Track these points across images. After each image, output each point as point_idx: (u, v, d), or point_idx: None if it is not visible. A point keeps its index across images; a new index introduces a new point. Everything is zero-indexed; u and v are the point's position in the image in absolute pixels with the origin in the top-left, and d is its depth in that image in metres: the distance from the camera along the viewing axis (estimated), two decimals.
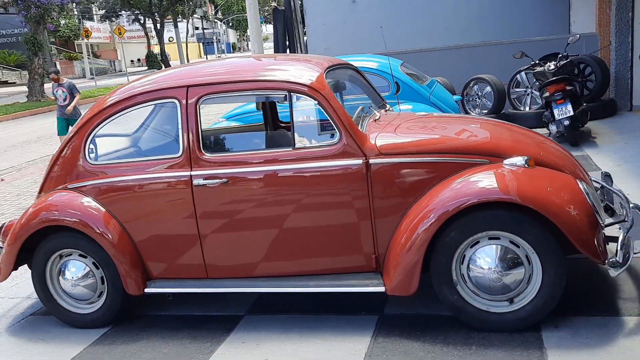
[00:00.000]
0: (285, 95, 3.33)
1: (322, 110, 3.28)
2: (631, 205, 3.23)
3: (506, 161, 3.13)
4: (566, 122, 7.24)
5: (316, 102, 3.29)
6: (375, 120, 3.61)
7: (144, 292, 3.58)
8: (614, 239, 3.10)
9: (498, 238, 3.04)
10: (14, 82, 35.97)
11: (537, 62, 8.26)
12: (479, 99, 9.43)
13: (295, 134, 3.37)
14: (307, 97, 3.31)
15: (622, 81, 9.03)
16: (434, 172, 3.19)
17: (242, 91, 3.43)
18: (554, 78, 7.48)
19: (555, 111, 7.32)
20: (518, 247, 3.02)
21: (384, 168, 3.22)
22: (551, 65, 7.91)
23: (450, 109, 7.75)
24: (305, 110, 3.58)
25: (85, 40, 36.45)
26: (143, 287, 3.58)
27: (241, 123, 7.91)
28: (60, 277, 3.73)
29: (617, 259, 2.93)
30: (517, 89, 9.34)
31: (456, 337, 3.12)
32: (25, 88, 25.33)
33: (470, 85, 9.46)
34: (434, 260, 3.11)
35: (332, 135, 3.29)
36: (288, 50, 10.75)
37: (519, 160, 3.10)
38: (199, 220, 3.43)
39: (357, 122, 3.50)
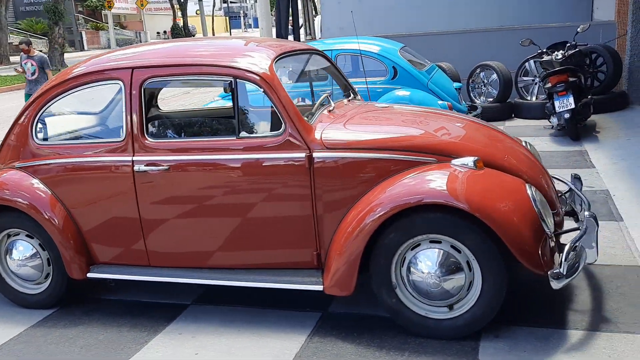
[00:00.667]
0: (231, 82, 3.19)
1: (268, 98, 3.14)
2: (587, 213, 3.03)
3: (454, 161, 2.96)
4: (567, 115, 6.95)
5: (261, 90, 3.15)
6: (330, 111, 3.45)
7: (87, 277, 3.52)
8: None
9: (439, 242, 2.89)
10: (41, 50, 36.27)
11: (544, 50, 7.94)
12: (484, 86, 9.15)
13: (246, 122, 3.24)
14: (253, 85, 3.17)
15: (635, 73, 8.63)
16: (379, 170, 3.03)
17: (187, 75, 3.30)
18: (556, 69, 7.17)
19: (556, 103, 7.04)
20: (459, 252, 2.87)
21: (328, 163, 3.07)
22: (559, 55, 7.60)
23: (448, 97, 7.53)
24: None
25: (109, 10, 36.49)
26: (86, 271, 3.53)
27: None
28: (8, 257, 3.70)
29: (561, 270, 2.76)
30: (525, 78, 9.02)
31: (392, 342, 2.99)
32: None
33: (476, 72, 9.16)
34: (373, 262, 2.98)
35: (279, 126, 3.15)
36: (292, 31, 10.55)
37: (467, 160, 2.93)
38: (140, 207, 3.34)
39: (314, 112, 3.36)
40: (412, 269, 2.94)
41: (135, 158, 3.30)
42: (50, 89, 3.53)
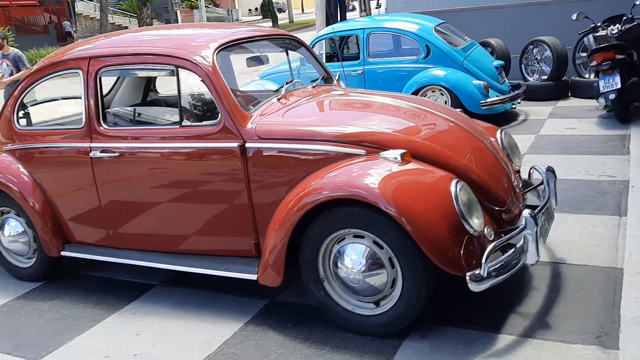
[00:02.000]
0: (172, 70, 3.23)
1: (206, 87, 3.15)
2: (526, 212, 2.80)
3: (382, 154, 2.84)
4: (612, 96, 6.39)
5: (200, 78, 3.17)
6: (279, 99, 3.40)
7: (61, 255, 3.77)
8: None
9: (363, 237, 2.81)
10: (126, 27, 38.05)
11: (598, 24, 7.31)
12: (537, 63, 8.56)
13: (191, 111, 3.29)
14: (193, 73, 3.19)
15: None
16: (310, 161, 2.98)
17: (136, 64, 3.40)
18: (601, 45, 6.58)
19: (601, 83, 6.49)
20: (382, 248, 2.77)
21: (260, 153, 3.06)
22: (614, 29, 6.97)
23: (486, 75, 7.17)
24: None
25: None
26: (61, 249, 3.77)
27: (274, 82, 7.89)
28: (1, 232, 4.02)
29: (481, 272, 2.59)
30: (582, 54, 8.35)
31: (319, 335, 2.97)
32: None
33: (529, 48, 8.58)
34: (301, 254, 2.95)
35: (217, 115, 3.17)
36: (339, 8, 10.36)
37: (394, 153, 2.80)
38: (99, 191, 3.51)
39: (262, 100, 3.34)
40: (338, 263, 2.88)
41: (92, 145, 3.45)
42: (25, 79, 3.76)
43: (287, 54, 4.18)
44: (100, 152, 3.42)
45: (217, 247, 3.30)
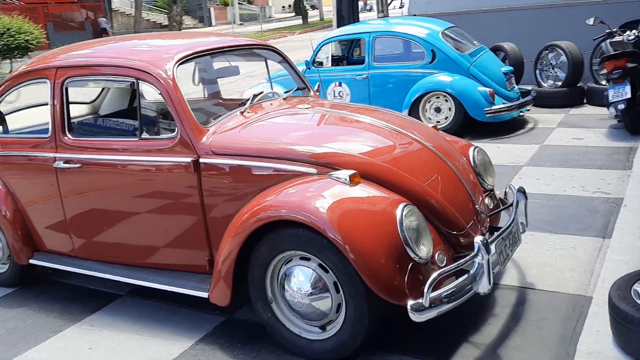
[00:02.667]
0: (132, 82, 3.20)
1: (164, 99, 3.11)
2: (479, 239, 2.66)
3: (331, 174, 2.75)
4: (621, 106, 6.13)
5: (159, 91, 3.12)
6: (242, 112, 3.33)
7: (29, 263, 3.79)
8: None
9: (309, 259, 2.72)
10: (160, 23, 38.41)
11: (614, 30, 7.03)
12: (552, 69, 8.28)
13: (150, 124, 3.25)
14: (152, 86, 3.15)
15: None
16: (262, 178, 2.90)
17: (100, 75, 3.37)
18: (613, 52, 6.32)
19: (611, 92, 6.22)
20: (327, 272, 2.68)
21: (213, 168, 3.00)
22: (631, 35, 6.69)
23: (493, 82, 6.97)
24: None
25: None
26: (30, 257, 3.79)
27: (280, 85, 7.84)
28: None
29: (423, 302, 2.48)
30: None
31: (267, 357, 2.91)
32: None
33: (544, 52, 8.31)
34: (249, 275, 2.88)
35: (174, 129, 3.12)
36: (362, 8, 10.22)
37: (343, 174, 2.70)
38: (63, 201, 3.51)
39: (223, 114, 3.29)
40: (285, 285, 2.80)
41: (57, 155, 3.45)
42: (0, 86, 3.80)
43: (266, 63, 4.10)
44: (63, 162, 3.42)
45: (174, 261, 3.26)
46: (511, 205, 3.24)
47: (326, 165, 2.82)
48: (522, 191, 3.30)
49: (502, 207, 3.31)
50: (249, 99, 3.46)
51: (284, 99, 3.66)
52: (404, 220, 2.56)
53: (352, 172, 2.70)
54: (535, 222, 4.22)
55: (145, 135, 3.21)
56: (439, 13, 10.28)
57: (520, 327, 2.93)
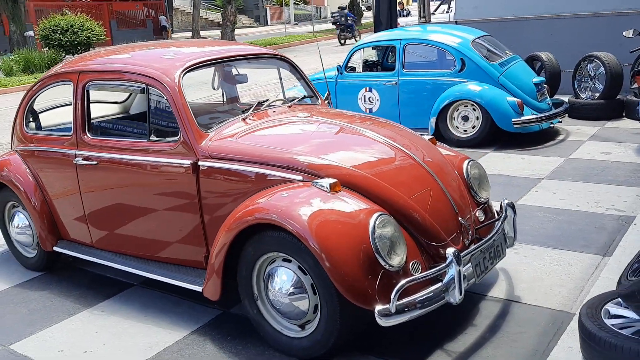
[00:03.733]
0: (143, 87, 3.45)
1: (170, 105, 3.34)
2: (450, 250, 2.76)
3: (316, 181, 2.90)
4: None
5: (165, 97, 3.36)
6: (244, 119, 3.53)
7: (53, 250, 4.11)
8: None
9: (290, 261, 2.89)
10: (218, 22, 39.17)
11: None
12: (590, 80, 8.13)
13: (159, 126, 3.48)
14: (159, 91, 3.38)
15: None
16: (253, 182, 3.10)
17: (116, 80, 3.65)
18: None
19: None
20: (306, 274, 2.84)
21: (209, 171, 3.21)
22: None
23: (523, 92, 6.93)
24: None
25: None
26: (54, 245, 4.11)
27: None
28: (11, 224, 4.44)
29: (389, 307, 2.60)
30: None
31: (251, 350, 3.09)
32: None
33: (583, 64, 8.16)
34: (238, 273, 3.07)
35: (177, 132, 3.34)
36: (400, 12, 10.28)
37: (324, 182, 2.86)
38: (82, 195, 3.81)
39: (225, 119, 3.49)
40: (268, 284, 2.98)
41: (77, 152, 3.75)
42: (33, 87, 4.14)
43: (279, 72, 4.29)
44: (82, 159, 3.71)
45: (176, 256, 3.49)
46: (498, 219, 3.31)
47: (311, 173, 2.98)
48: (510, 205, 3.36)
49: (488, 222, 3.36)
50: (252, 106, 3.65)
51: (289, 106, 3.84)
52: (376, 230, 2.68)
53: (333, 180, 2.85)
54: (539, 236, 4.25)
55: (153, 137, 3.45)
56: (484, 20, 10.24)
57: (496, 338, 3.00)
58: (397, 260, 2.72)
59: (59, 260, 4.37)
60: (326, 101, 4.24)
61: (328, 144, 3.28)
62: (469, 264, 2.92)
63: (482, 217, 3.43)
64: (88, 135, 3.73)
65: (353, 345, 3.00)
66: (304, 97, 4.10)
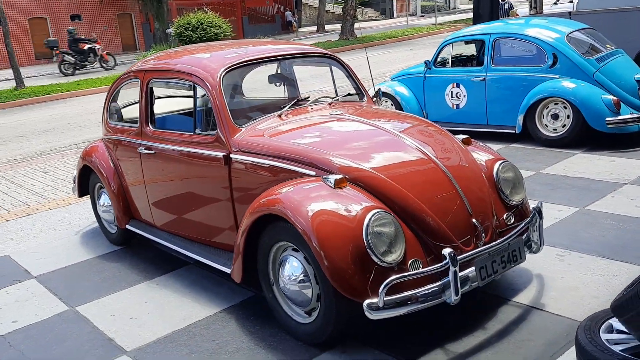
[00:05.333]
0: (191, 85, 3.78)
1: (210, 101, 3.64)
2: (447, 251, 2.77)
3: (325, 177, 3.04)
4: None
5: (207, 94, 3.66)
6: (280, 115, 3.74)
7: (126, 228, 4.64)
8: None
9: (298, 251, 3.06)
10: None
11: None
12: None
13: (205, 120, 3.80)
14: (203, 89, 3.70)
15: None
16: (273, 176, 3.31)
17: (171, 78, 4.02)
18: None
19: None
20: (310, 264, 3.00)
21: (239, 163, 3.47)
22: None
23: (621, 89, 6.45)
24: None
25: None
26: (127, 224, 4.63)
27: (402, 84, 8.10)
28: (99, 202, 5.04)
29: (377, 301, 2.68)
30: None
31: (265, 331, 3.31)
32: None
33: None
34: (258, 259, 3.30)
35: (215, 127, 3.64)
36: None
37: (330, 178, 2.99)
38: (145, 180, 4.26)
39: (263, 115, 3.72)
40: (279, 271, 3.17)
41: (141, 142, 4.20)
42: (115, 83, 4.68)
43: (331, 69, 4.44)
44: (145, 149, 4.16)
45: (218, 240, 3.81)
46: (519, 223, 3.22)
47: (323, 168, 3.12)
48: (537, 210, 3.25)
49: (513, 224, 3.27)
50: (284, 105, 3.85)
51: (330, 104, 3.98)
52: (370, 227, 2.77)
53: (339, 177, 2.98)
54: (594, 244, 4.03)
55: (198, 130, 3.78)
56: (608, 10, 9.53)
57: (501, 343, 2.95)
58: (392, 257, 2.79)
59: (134, 237, 4.90)
60: (374, 99, 4.32)
61: (347, 142, 3.39)
62: (473, 267, 2.90)
63: (511, 220, 3.34)
64: (150, 127, 4.16)
65: (355, 338, 3.10)
66: (348, 94, 4.22)
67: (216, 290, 3.92)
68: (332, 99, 4.10)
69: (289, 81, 4.62)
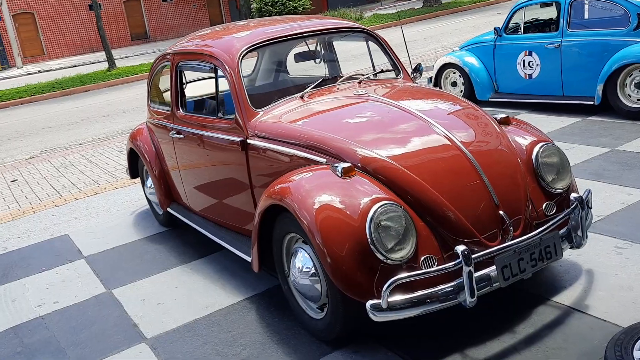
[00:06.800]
0: (212, 67, 3.66)
1: (228, 83, 3.50)
2: (461, 249, 2.47)
3: (333, 165, 2.82)
4: None
5: (225, 77, 3.52)
6: (302, 97, 3.53)
7: (168, 211, 4.66)
8: None
9: (307, 243, 2.88)
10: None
11: None
12: None
13: (227, 104, 3.68)
14: (220, 70, 3.56)
15: None
16: (286, 162, 3.14)
17: (196, 61, 3.91)
18: None
19: None
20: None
21: (256, 148, 3.33)
22: None
23: None
24: None
25: None
26: (168, 207, 4.66)
27: (471, 54, 7.59)
28: (146, 185, 5.11)
29: (381, 303, 2.45)
30: None
31: (282, 324, 3.20)
32: None
33: None
34: (273, 247, 3.17)
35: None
36: None
37: (338, 166, 2.76)
38: (179, 163, 4.23)
39: (283, 97, 3.55)
40: (290, 263, 3.02)
41: (172, 125, 4.17)
42: (152, 66, 4.66)
43: (368, 45, 4.15)
44: (175, 133, 4.12)
45: (240, 225, 3.72)
46: (556, 215, 2.84)
47: (332, 155, 2.90)
48: (579, 199, 2.85)
49: (551, 216, 2.89)
50: (308, 85, 3.63)
51: (359, 82, 3.72)
52: (375, 220, 2.53)
53: (347, 165, 2.75)
54: None
55: (220, 114, 3.67)
56: None
57: (529, 351, 2.63)
58: (401, 253, 2.54)
59: (179, 219, 4.93)
60: (414, 74, 4.00)
61: (362, 127, 3.12)
62: (494, 266, 2.59)
63: (552, 211, 2.97)
64: (180, 111, 4.11)
65: (368, 336, 2.90)
66: (382, 70, 3.92)
67: (244, 276, 3.84)
68: (364, 76, 3.82)
69: (326, 58, 4.39)
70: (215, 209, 3.96)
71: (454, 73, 7.79)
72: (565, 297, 3.01)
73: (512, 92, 7.19)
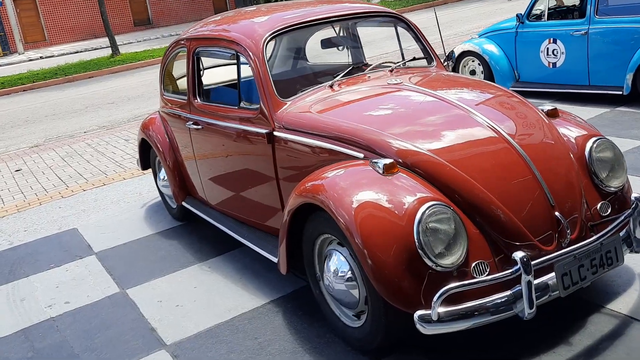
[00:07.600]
0: (234, 53, 3.41)
1: (252, 71, 3.25)
2: (519, 255, 2.24)
3: (373, 160, 2.58)
4: None
5: (249, 64, 3.28)
6: (331, 86, 3.28)
7: (182, 205, 4.43)
8: None
9: (344, 245, 2.65)
10: None
11: None
12: None
13: (249, 93, 3.44)
14: (244, 57, 3.32)
15: None
16: (319, 157, 2.90)
17: (216, 47, 3.65)
18: None
19: None
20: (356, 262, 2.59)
21: (283, 141, 3.09)
22: None
23: None
24: None
25: None
26: (183, 200, 4.43)
27: (490, 41, 7.32)
28: (159, 178, 4.88)
29: (431, 314, 2.23)
30: None
31: (313, 331, 2.97)
32: None
33: None
34: (304, 248, 2.94)
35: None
36: None
37: (379, 162, 2.52)
38: (195, 155, 4.00)
39: (309, 86, 3.31)
40: (324, 266, 2.79)
41: (188, 115, 3.92)
42: (165, 52, 4.41)
43: (396, 30, 3.89)
44: (192, 123, 3.87)
45: (262, 221, 3.50)
46: (617, 216, 2.61)
47: (371, 150, 2.67)
48: (639, 199, 2.62)
49: (609, 217, 2.67)
50: (337, 74, 3.38)
51: (391, 70, 3.47)
52: (423, 222, 2.30)
53: (389, 161, 2.51)
54: None
55: (243, 104, 3.42)
56: None
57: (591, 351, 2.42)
58: (451, 259, 2.31)
59: (194, 214, 4.70)
60: (446, 62, 3.75)
61: (400, 118, 2.88)
62: (554, 274, 2.36)
63: (607, 211, 2.74)
64: (198, 100, 3.86)
65: (413, 346, 2.69)
66: (413, 58, 3.67)
67: (267, 276, 3.62)
68: (395, 64, 3.57)
69: (350, 44, 4.14)
70: (236, 203, 3.73)
71: (473, 61, 7.52)
72: (622, 305, 2.79)
73: (534, 81, 6.93)
